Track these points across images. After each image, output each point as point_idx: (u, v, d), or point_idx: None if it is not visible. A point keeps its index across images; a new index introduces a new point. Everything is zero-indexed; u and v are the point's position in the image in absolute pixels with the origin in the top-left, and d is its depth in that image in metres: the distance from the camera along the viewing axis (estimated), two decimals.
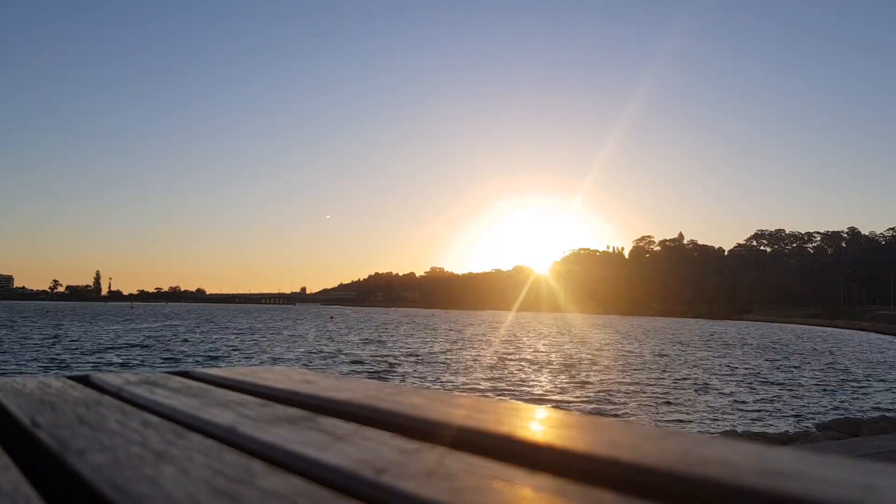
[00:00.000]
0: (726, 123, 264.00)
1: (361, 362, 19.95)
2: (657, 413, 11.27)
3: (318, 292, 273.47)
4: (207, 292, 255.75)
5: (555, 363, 20.72)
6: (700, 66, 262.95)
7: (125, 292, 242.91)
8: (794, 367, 21.34)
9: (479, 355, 23.47)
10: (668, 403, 12.35)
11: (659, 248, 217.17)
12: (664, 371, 18.63)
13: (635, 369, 19.05)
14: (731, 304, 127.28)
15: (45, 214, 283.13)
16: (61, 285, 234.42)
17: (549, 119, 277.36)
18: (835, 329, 66.47)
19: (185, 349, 23.85)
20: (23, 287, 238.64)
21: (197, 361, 19.10)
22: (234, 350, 24.14)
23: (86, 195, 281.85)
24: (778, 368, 20.53)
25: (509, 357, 22.99)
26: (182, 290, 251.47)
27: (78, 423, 0.69)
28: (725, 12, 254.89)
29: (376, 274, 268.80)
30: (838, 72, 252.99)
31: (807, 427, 9.71)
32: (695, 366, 20.67)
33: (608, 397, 13.03)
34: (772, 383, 16.27)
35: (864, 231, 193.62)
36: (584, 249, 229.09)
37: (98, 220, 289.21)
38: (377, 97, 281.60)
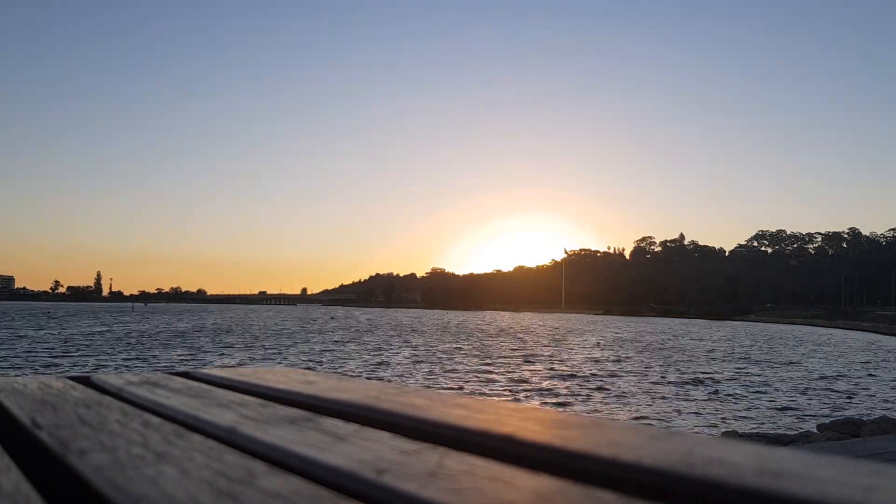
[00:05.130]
0: (727, 124, 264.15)
1: None
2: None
3: (319, 293, 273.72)
4: (208, 293, 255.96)
5: None
6: (701, 66, 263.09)
7: (126, 293, 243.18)
8: (795, 367, 21.33)
9: None
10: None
11: (660, 248, 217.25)
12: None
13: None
14: (732, 305, 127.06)
15: (46, 215, 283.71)
16: (62, 286, 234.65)
17: (551, 120, 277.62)
18: (835, 330, 66.35)
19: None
20: (24, 288, 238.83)
21: None
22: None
23: (87, 196, 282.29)
24: (779, 369, 20.52)
25: None
26: (183, 290, 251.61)
27: (79, 423, 0.69)
28: (725, 13, 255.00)
29: (377, 275, 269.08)
30: (839, 72, 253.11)
31: (807, 427, 9.70)
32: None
33: None
34: (772, 383, 16.27)
35: (865, 232, 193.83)
36: (585, 250, 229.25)
37: (99, 221, 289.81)
38: (380, 99, 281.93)
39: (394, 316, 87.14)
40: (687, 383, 15.87)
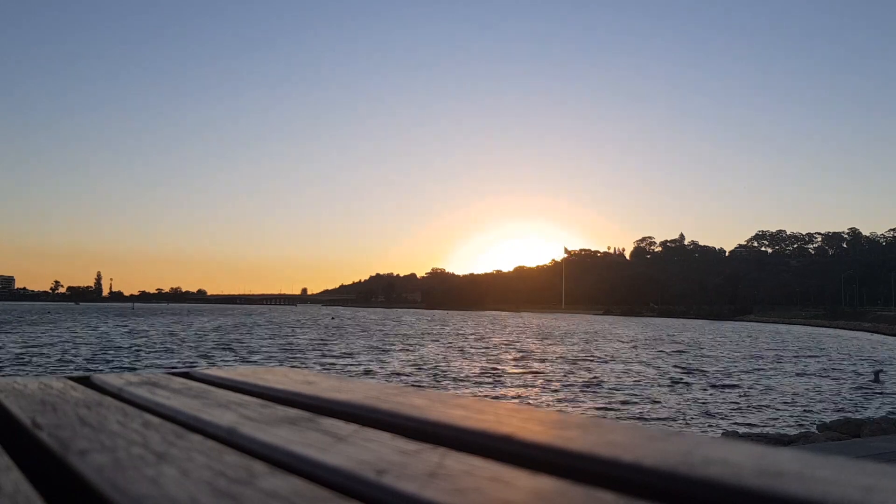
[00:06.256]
0: (728, 124, 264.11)
1: None
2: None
3: (320, 293, 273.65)
4: (208, 293, 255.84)
5: None
6: (701, 66, 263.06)
7: (126, 293, 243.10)
8: (795, 367, 21.32)
9: None
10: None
11: (660, 248, 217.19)
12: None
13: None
14: (732, 305, 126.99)
15: (47, 216, 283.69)
16: (62, 286, 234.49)
17: (552, 122, 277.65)
18: (836, 330, 66.33)
19: None
20: (24, 288, 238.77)
21: None
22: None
23: (87, 196, 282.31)
24: (779, 369, 20.51)
25: None
26: (183, 290, 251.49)
27: (79, 423, 0.69)
28: (725, 13, 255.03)
29: (377, 275, 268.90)
30: (840, 73, 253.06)
31: (808, 428, 9.70)
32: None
33: None
34: (772, 384, 16.26)
35: (865, 232, 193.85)
36: (586, 250, 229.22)
37: (99, 222, 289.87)
38: (381, 102, 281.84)
39: (401, 316, 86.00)
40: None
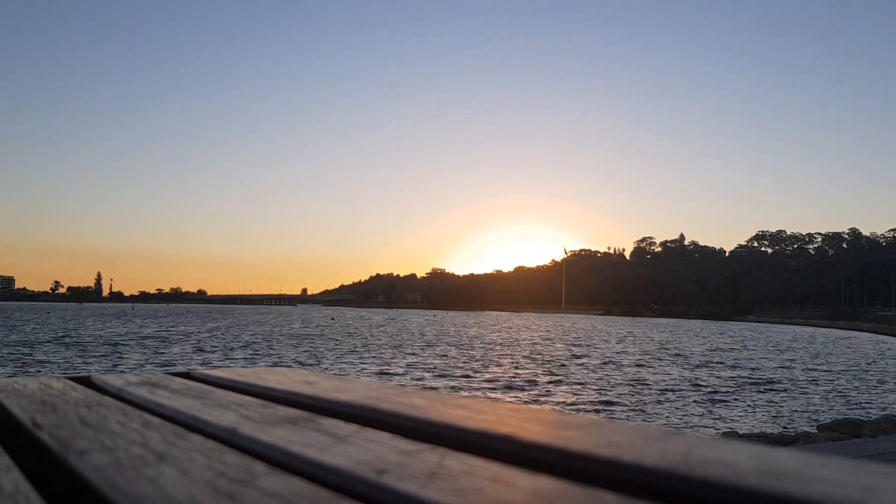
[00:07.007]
0: (728, 124, 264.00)
1: None
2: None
3: (320, 293, 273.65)
4: (208, 293, 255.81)
5: None
6: (701, 66, 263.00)
7: (126, 293, 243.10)
8: (795, 367, 21.31)
9: None
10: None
11: (660, 248, 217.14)
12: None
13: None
14: (732, 305, 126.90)
15: (47, 216, 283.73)
16: (62, 286, 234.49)
17: (552, 123, 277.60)
18: (836, 330, 66.32)
19: None
20: (24, 288, 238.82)
21: None
22: None
23: (87, 196, 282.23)
24: (779, 369, 20.51)
25: None
26: (183, 291, 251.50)
27: (79, 423, 0.69)
28: (724, 14, 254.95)
29: (377, 275, 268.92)
30: (840, 73, 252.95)
31: (808, 428, 9.70)
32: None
33: None
34: (772, 384, 16.26)
35: (866, 232, 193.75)
36: (586, 250, 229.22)
37: (99, 222, 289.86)
38: (381, 103, 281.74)
39: (409, 318, 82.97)
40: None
